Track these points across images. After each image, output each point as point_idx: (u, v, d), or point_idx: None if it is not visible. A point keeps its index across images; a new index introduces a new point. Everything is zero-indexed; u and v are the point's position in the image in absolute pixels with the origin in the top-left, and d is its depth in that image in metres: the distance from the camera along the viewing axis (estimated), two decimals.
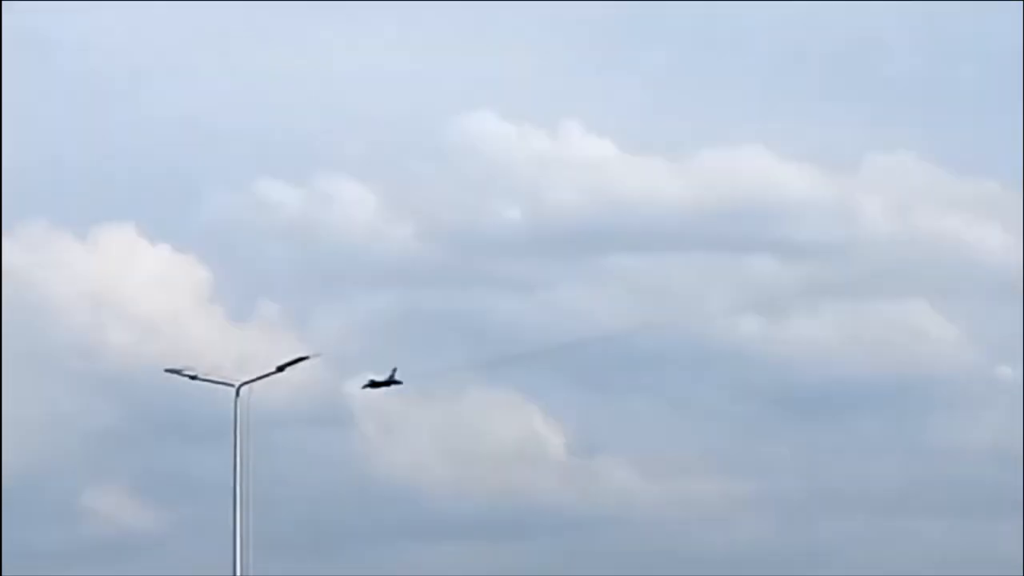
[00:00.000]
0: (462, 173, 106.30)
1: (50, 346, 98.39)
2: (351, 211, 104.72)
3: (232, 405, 52.19)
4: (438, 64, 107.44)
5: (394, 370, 69.92)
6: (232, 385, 51.97)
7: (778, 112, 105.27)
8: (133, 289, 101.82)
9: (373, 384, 70.80)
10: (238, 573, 50.32)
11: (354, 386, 74.74)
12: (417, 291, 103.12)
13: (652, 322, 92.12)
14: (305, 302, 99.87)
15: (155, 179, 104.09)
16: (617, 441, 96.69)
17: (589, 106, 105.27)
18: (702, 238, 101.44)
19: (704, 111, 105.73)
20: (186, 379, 52.72)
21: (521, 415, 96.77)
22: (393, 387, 71.28)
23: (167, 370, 52.21)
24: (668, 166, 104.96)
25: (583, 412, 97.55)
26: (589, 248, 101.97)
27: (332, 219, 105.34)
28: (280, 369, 51.45)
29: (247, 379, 52.02)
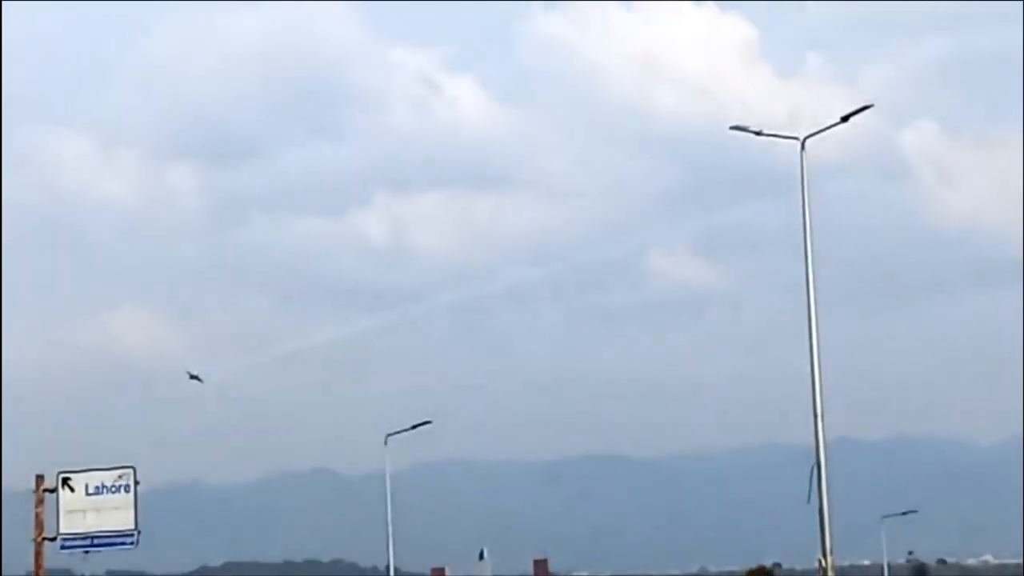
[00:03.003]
0: None
1: (604, 112, 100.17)
2: None
3: (793, 159, 51.80)
4: None
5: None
6: (796, 139, 51.61)
7: None
8: (680, 50, 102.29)
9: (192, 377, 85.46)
10: (810, 327, 50.23)
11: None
12: (968, 35, 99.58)
13: None
14: (852, 53, 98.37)
15: None
16: None
17: None
18: None
19: None
20: (744, 137, 52.55)
21: None
22: None
23: (732, 127, 52.19)
24: None
25: None
26: None
27: None
28: (844, 119, 50.67)
29: (810, 132, 51.48)
